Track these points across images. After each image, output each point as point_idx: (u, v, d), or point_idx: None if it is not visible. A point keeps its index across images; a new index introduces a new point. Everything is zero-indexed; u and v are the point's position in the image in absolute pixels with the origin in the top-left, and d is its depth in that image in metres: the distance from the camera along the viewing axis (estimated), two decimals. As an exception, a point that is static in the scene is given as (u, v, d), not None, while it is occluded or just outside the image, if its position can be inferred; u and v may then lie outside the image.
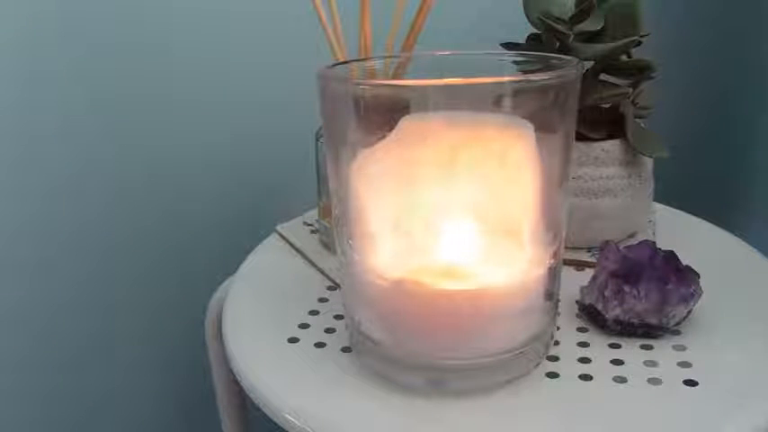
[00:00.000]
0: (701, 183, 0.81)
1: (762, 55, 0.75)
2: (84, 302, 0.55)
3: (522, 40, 0.42)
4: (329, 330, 0.35)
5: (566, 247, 0.31)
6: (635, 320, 0.32)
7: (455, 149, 0.26)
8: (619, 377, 0.30)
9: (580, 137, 0.39)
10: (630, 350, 0.32)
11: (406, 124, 0.26)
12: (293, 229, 0.47)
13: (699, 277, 0.32)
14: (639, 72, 0.39)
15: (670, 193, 0.51)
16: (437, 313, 0.28)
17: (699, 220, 0.46)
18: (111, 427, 0.59)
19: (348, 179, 0.28)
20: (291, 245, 0.45)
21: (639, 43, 0.38)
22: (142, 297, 0.57)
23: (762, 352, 0.31)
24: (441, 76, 0.26)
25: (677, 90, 0.76)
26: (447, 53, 0.33)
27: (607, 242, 0.34)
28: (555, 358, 0.31)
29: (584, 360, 0.31)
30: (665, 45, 0.55)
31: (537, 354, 0.30)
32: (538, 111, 0.26)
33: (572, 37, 0.39)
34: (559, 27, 0.38)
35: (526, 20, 0.40)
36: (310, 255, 0.43)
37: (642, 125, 0.41)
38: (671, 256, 0.33)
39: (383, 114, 0.27)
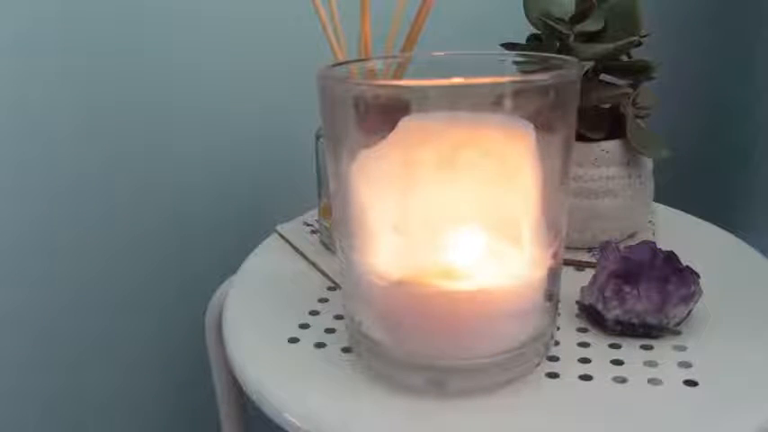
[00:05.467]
0: (701, 183, 0.81)
1: (762, 55, 0.75)
2: (85, 303, 0.55)
3: (522, 40, 0.42)
4: (329, 330, 0.35)
5: (566, 248, 0.31)
6: (635, 321, 0.32)
7: (455, 150, 0.26)
8: (619, 377, 0.30)
9: (580, 137, 0.39)
10: (630, 350, 0.32)
11: (406, 125, 0.26)
12: (293, 229, 0.47)
13: (699, 277, 0.32)
14: (639, 72, 0.39)
15: (670, 193, 0.51)
16: (437, 313, 0.28)
17: (699, 220, 0.46)
18: (112, 428, 0.59)
19: (348, 179, 0.28)
20: (291, 245, 0.45)
21: (640, 44, 0.38)
22: (142, 297, 0.57)
23: (762, 352, 0.31)
24: (441, 77, 0.26)
25: (677, 90, 0.76)
26: (447, 53, 0.33)
27: (607, 242, 0.34)
28: (555, 358, 0.31)
29: (585, 360, 0.31)
30: (664, 45, 0.55)
31: (537, 354, 0.30)
32: (538, 111, 0.26)
33: (572, 37, 0.39)
34: (559, 27, 0.38)
35: (526, 20, 0.40)
36: (310, 255, 0.43)
37: (642, 125, 0.41)
38: (671, 257, 0.33)
39: (383, 115, 0.27)
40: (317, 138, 0.42)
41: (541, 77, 0.26)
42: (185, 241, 0.58)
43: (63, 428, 0.56)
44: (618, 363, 0.31)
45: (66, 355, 0.55)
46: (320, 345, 0.33)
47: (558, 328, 0.34)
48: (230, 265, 0.43)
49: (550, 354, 0.31)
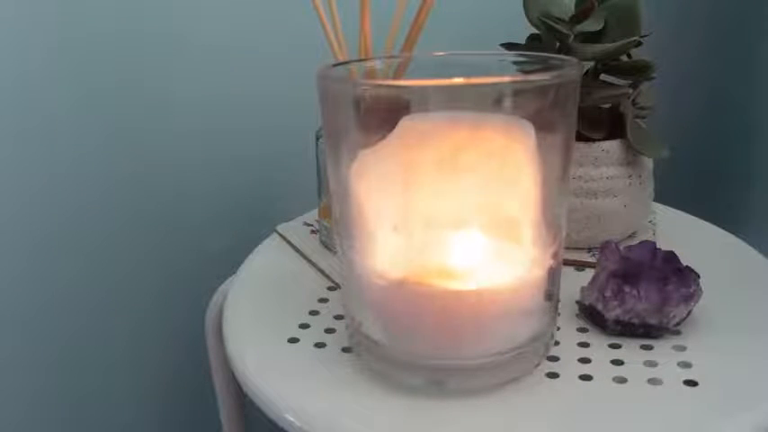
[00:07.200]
0: (701, 183, 0.81)
1: (761, 55, 0.75)
2: (83, 304, 0.55)
3: (522, 40, 0.42)
4: (329, 330, 0.35)
5: (566, 247, 0.31)
6: (635, 321, 0.32)
7: (455, 150, 0.26)
8: (619, 377, 0.30)
9: (580, 137, 0.39)
10: (630, 350, 0.32)
11: (406, 124, 0.26)
12: (293, 229, 0.47)
13: (699, 277, 0.32)
14: (639, 72, 0.39)
15: (670, 193, 0.51)
16: (437, 313, 0.28)
17: (699, 220, 0.46)
18: (113, 428, 0.59)
19: (348, 179, 0.28)
20: (291, 245, 0.45)
21: (640, 44, 0.38)
22: (142, 298, 0.57)
23: (762, 352, 0.31)
24: (441, 77, 0.26)
25: (677, 90, 0.76)
26: (447, 53, 0.33)
27: (607, 242, 0.34)
28: (555, 358, 0.31)
29: (585, 360, 0.31)
30: (665, 45, 0.55)
31: (537, 354, 0.30)
32: (538, 111, 0.26)
33: (572, 37, 0.39)
34: (559, 27, 0.38)
35: (526, 20, 0.40)
36: (310, 255, 0.43)
37: (642, 125, 0.41)
38: (671, 257, 0.33)
39: (383, 114, 0.27)
40: (317, 138, 0.42)
41: (541, 77, 0.26)
42: (185, 241, 0.58)
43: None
44: (618, 363, 0.31)
45: (63, 357, 0.55)
46: (320, 345, 0.33)
47: (558, 328, 0.34)
48: (230, 265, 0.43)
49: (550, 354, 0.31)
